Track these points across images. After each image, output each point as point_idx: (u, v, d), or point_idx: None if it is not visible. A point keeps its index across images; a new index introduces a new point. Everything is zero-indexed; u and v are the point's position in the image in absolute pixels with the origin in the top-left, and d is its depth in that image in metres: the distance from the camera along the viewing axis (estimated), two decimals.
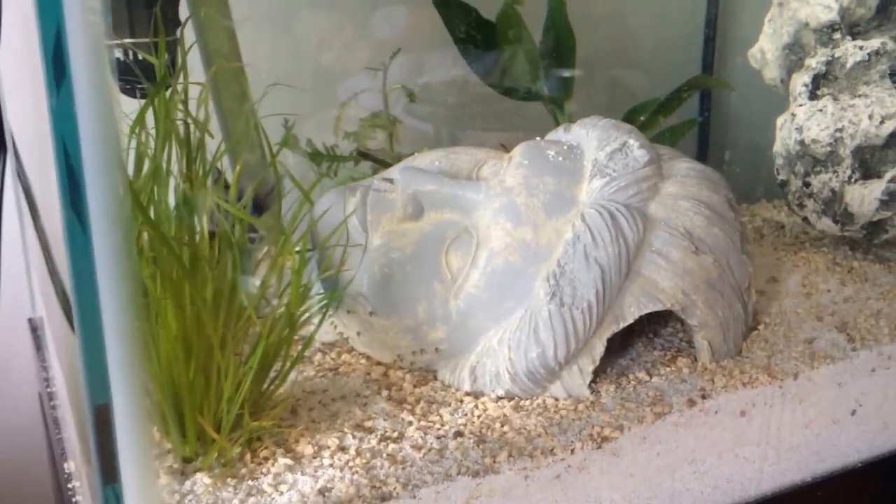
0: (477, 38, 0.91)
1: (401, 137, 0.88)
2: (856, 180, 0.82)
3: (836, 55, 0.84)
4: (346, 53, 0.93)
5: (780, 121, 0.87)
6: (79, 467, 0.66)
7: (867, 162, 0.82)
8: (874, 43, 0.82)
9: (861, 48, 0.83)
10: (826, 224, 0.84)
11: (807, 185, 0.85)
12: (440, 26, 0.91)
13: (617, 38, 1.08)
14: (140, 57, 0.70)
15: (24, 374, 1.07)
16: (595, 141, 0.66)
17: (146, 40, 0.71)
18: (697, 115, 1.16)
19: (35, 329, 1.00)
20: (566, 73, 0.93)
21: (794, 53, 0.88)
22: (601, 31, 1.06)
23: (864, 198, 0.81)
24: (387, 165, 0.82)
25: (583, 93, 0.95)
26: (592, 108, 0.96)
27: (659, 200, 0.64)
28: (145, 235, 0.52)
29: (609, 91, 1.04)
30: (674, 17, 1.12)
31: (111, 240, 0.43)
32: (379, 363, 0.67)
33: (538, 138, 0.69)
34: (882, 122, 0.81)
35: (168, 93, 0.55)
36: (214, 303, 0.53)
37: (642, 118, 0.93)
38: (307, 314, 0.58)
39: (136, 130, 0.51)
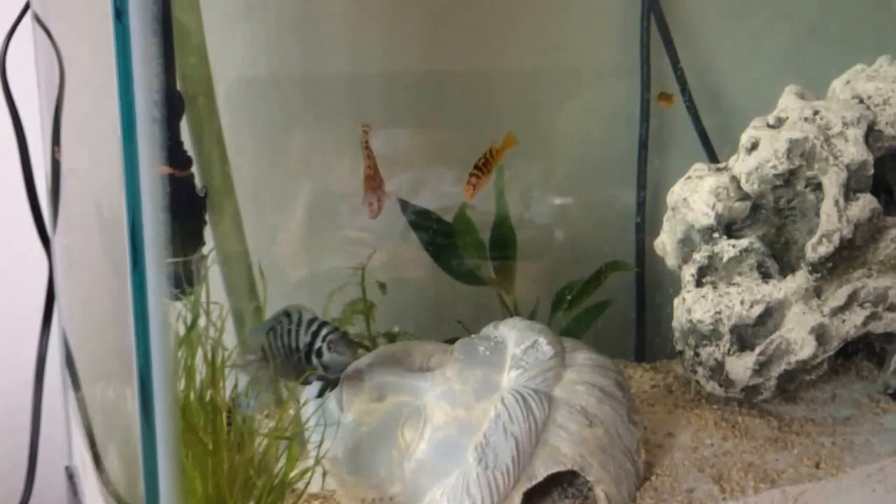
0: (437, 236, 1.15)
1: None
2: (734, 352, 1.03)
3: (716, 251, 1.07)
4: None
5: (675, 302, 1.09)
6: None
7: (742, 337, 1.04)
8: (744, 242, 1.06)
9: (734, 246, 1.06)
10: (713, 387, 1.05)
11: (697, 354, 1.06)
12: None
13: (554, 227, 1.31)
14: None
15: None
16: (514, 339, 0.88)
17: (179, 259, 0.94)
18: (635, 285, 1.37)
19: (71, 476, 1.18)
20: (510, 260, 1.17)
21: (686, 247, 1.11)
22: (540, 224, 1.29)
23: (741, 367, 1.02)
24: (365, 348, 1.04)
25: (525, 276, 1.18)
26: (532, 289, 1.20)
27: (561, 385, 0.85)
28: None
29: (546, 273, 1.27)
30: (606, 205, 1.36)
31: (166, 432, 0.64)
32: None
33: (473, 336, 0.91)
34: (751, 307, 1.03)
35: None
36: (230, 473, 0.74)
37: (569, 296, 1.15)
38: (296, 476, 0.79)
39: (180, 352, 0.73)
